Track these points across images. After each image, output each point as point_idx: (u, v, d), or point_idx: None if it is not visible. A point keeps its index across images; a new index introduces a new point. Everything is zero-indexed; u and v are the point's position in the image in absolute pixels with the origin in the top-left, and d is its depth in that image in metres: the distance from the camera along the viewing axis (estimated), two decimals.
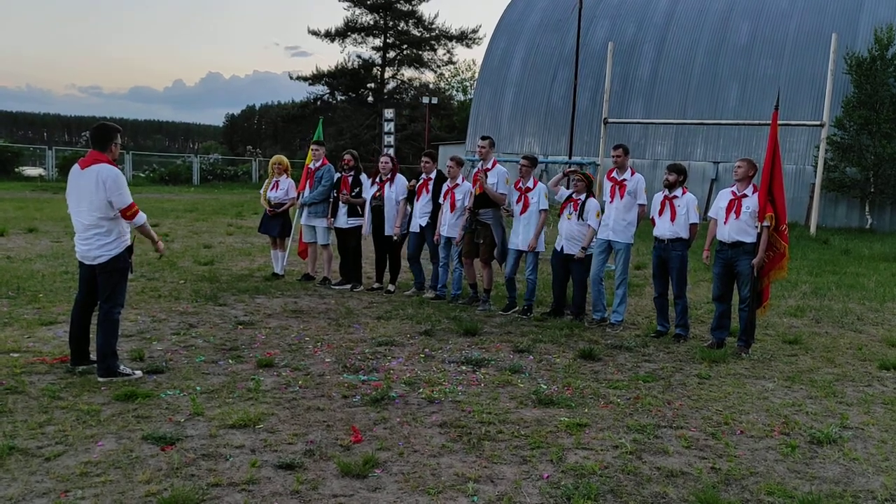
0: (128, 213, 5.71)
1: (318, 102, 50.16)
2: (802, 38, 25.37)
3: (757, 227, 7.07)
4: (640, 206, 8.18)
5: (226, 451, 4.36)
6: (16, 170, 32.54)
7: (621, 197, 8.12)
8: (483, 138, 9.15)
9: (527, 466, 4.31)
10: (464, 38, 49.10)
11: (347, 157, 9.98)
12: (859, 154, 22.32)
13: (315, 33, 48.77)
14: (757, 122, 21.15)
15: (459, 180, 9.20)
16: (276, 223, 10.35)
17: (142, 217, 5.82)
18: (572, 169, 8.67)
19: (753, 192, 7.18)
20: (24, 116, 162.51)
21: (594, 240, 8.24)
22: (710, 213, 7.50)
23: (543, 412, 5.27)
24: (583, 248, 8.21)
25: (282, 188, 10.31)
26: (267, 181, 10.51)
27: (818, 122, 18.09)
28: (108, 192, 5.57)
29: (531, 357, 6.80)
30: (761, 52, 25.95)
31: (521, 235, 8.66)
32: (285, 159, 10.68)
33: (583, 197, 8.29)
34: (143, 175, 36.49)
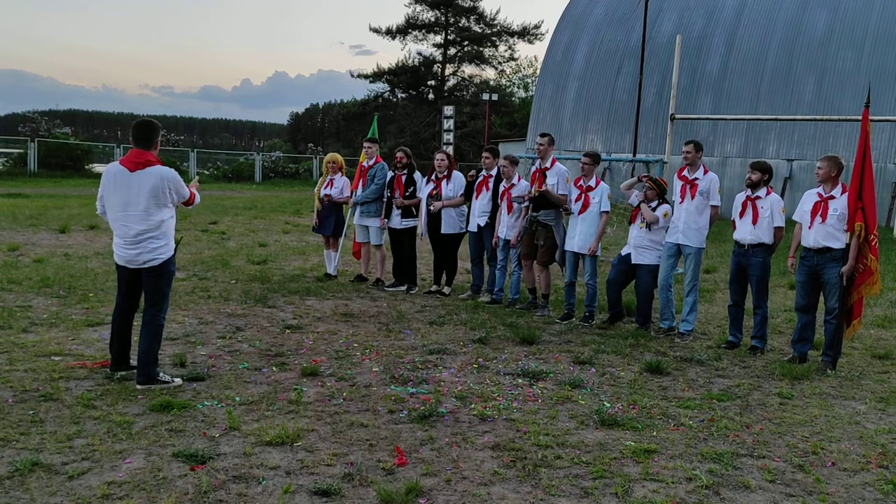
0: (190, 201, 5.64)
1: (379, 100, 50.25)
2: (884, 28, 23.98)
3: (846, 232, 6.41)
4: (713, 207, 7.57)
5: (259, 472, 4.03)
6: (86, 167, 33.39)
7: (692, 197, 7.53)
8: (542, 135, 8.65)
9: (588, 500, 3.84)
10: (526, 33, 48.52)
11: (400, 154, 9.63)
12: None
13: (376, 31, 48.96)
14: (835, 117, 20.03)
15: (515, 180, 8.75)
16: (331, 222, 10.07)
17: (198, 197, 5.81)
18: (646, 174, 8.10)
19: (842, 193, 6.52)
20: (99, 116, 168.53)
21: (663, 243, 7.68)
22: (795, 217, 6.85)
23: (606, 434, 4.79)
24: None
25: (336, 186, 10.02)
26: (321, 179, 10.24)
27: None
28: (173, 193, 5.41)
29: (593, 370, 6.32)
30: (840, 44, 24.65)
31: (577, 237, 8.15)
32: (340, 157, 10.40)
33: (654, 204, 7.75)
34: (206, 172, 37.02)
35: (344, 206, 10.18)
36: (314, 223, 10.28)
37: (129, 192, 5.33)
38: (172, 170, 5.48)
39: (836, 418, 5.30)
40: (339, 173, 10.16)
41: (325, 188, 10.07)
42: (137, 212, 5.32)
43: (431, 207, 9.20)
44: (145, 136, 5.44)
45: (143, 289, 5.55)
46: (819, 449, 4.67)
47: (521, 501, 3.80)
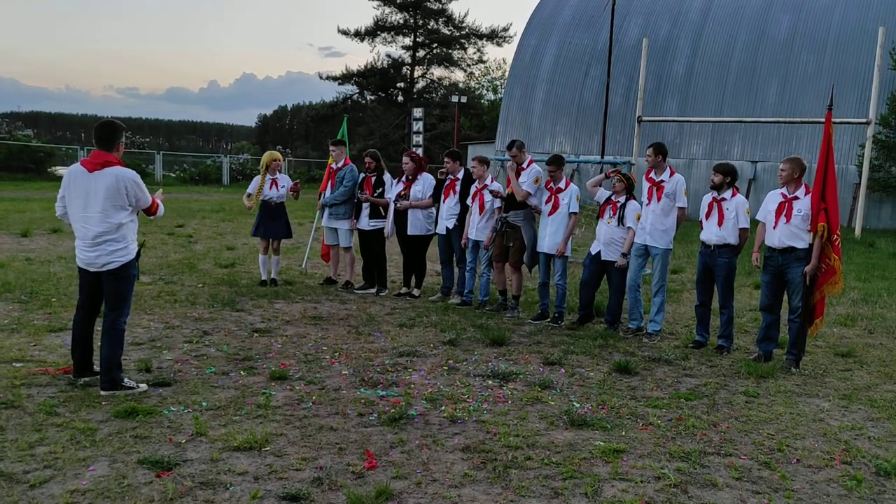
0: (152, 210, 5.52)
1: (348, 102, 50.03)
2: (846, 33, 24.49)
3: (809, 232, 6.52)
4: (680, 209, 7.65)
5: (227, 478, 3.97)
6: (49, 169, 32.77)
7: (658, 199, 7.60)
8: (509, 146, 8.58)
9: (558, 501, 3.86)
10: (494, 36, 48.61)
11: (367, 159, 9.56)
12: None
13: (345, 33, 48.63)
14: (798, 119, 20.40)
15: (488, 181, 8.76)
16: (281, 224, 9.70)
17: (162, 209, 5.68)
18: (614, 170, 8.17)
19: (805, 194, 6.63)
20: (62, 117, 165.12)
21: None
22: (758, 217, 6.96)
23: (576, 435, 4.81)
24: (623, 254, 7.72)
25: (283, 185, 9.67)
26: (261, 179, 9.65)
27: (864, 120, 17.31)
28: (131, 196, 5.29)
29: (562, 370, 6.34)
30: (802, 47, 25.12)
31: (548, 238, 8.19)
32: (280, 155, 10.12)
33: (622, 199, 7.80)
34: (173, 175, 36.56)
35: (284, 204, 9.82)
36: (254, 227, 9.80)
37: (87, 193, 5.25)
38: (132, 171, 5.37)
39: (801, 416, 5.38)
40: (278, 172, 9.86)
41: (270, 189, 9.59)
42: (95, 213, 5.24)
43: (398, 204, 9.17)
44: (106, 136, 5.35)
45: (104, 293, 5.45)
46: (784, 446, 4.74)
47: (491, 503, 3.80)
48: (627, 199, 7.80)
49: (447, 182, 9.14)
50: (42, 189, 25.70)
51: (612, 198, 7.88)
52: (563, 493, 3.93)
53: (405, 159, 9.37)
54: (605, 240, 7.85)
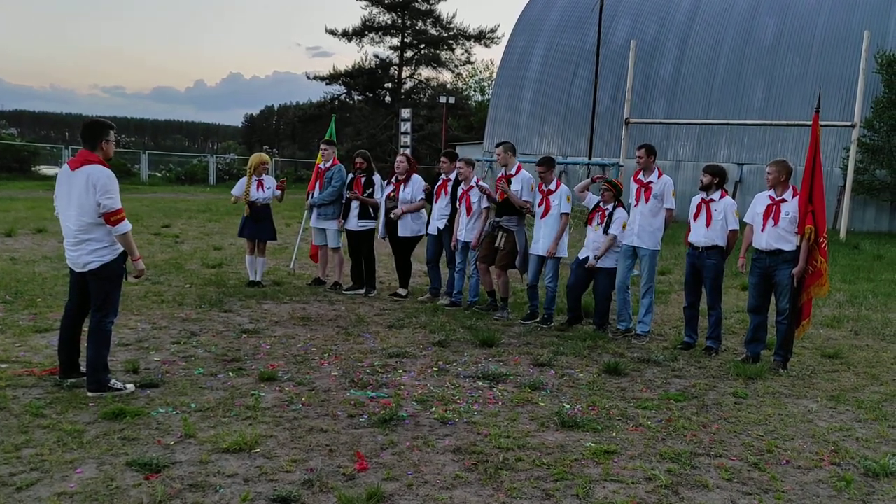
0: (112, 218, 5.19)
1: (336, 102, 49.87)
2: (831, 36, 24.68)
3: (797, 235, 6.55)
4: (668, 210, 7.67)
5: (216, 480, 3.94)
6: (33, 169, 32.49)
7: (646, 200, 7.62)
8: (498, 145, 8.63)
9: (550, 502, 3.85)
10: (482, 37, 48.59)
11: (359, 159, 9.52)
12: (889, 156, 21.62)
13: (332, 33, 48.48)
14: (783, 122, 20.56)
15: (474, 182, 8.75)
16: (266, 226, 9.64)
17: (126, 225, 5.29)
18: (600, 175, 8.18)
19: (793, 196, 6.66)
20: (46, 116, 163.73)
21: (619, 245, 7.77)
22: (746, 219, 6.99)
23: (567, 436, 4.81)
24: (596, 256, 7.74)
25: (269, 186, 9.63)
26: (248, 182, 9.57)
27: (850, 123, 17.47)
28: (98, 194, 5.16)
29: (552, 371, 6.34)
30: (788, 50, 25.29)
31: (542, 241, 8.20)
32: (268, 157, 10.07)
33: (610, 207, 7.82)
34: (159, 175, 36.32)
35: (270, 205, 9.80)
36: (240, 228, 9.73)
37: (69, 192, 5.23)
38: (107, 171, 5.22)
39: (790, 417, 5.40)
40: (265, 174, 9.81)
41: (257, 190, 9.55)
42: (72, 211, 5.21)
43: (392, 214, 9.13)
44: (87, 136, 5.31)
45: (89, 293, 5.40)
46: (773, 447, 4.76)
47: None
48: (615, 207, 7.82)
49: (439, 182, 9.13)
50: (26, 188, 25.48)
51: (601, 205, 7.90)
52: (555, 495, 3.93)
53: (400, 159, 9.36)
54: (593, 246, 7.87)
